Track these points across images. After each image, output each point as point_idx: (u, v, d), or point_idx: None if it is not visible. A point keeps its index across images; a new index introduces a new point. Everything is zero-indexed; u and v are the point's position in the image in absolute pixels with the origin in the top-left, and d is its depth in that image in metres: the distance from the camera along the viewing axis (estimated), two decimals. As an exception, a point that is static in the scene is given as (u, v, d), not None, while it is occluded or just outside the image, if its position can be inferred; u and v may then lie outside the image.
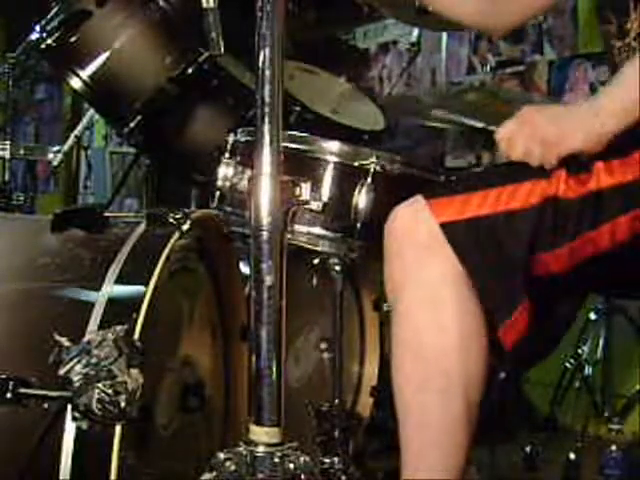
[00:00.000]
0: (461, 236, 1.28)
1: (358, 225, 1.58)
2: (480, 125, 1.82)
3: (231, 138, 1.75)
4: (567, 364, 2.58)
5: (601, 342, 2.56)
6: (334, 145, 1.62)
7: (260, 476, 0.95)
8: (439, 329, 1.28)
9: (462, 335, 1.27)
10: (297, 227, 1.59)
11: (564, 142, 1.27)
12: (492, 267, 1.27)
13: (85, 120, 2.72)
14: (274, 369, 0.96)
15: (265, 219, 0.96)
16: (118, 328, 1.20)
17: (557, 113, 1.36)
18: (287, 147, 1.55)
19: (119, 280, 1.31)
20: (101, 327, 1.23)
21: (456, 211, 1.30)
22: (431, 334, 1.28)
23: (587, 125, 1.27)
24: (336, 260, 1.71)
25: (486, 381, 1.30)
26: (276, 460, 0.95)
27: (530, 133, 1.30)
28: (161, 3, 2.12)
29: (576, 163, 1.29)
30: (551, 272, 1.28)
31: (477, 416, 1.30)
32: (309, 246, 1.62)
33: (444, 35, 3.57)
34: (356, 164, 1.60)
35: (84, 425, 1.17)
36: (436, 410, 1.28)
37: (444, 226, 1.28)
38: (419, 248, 1.30)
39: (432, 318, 1.28)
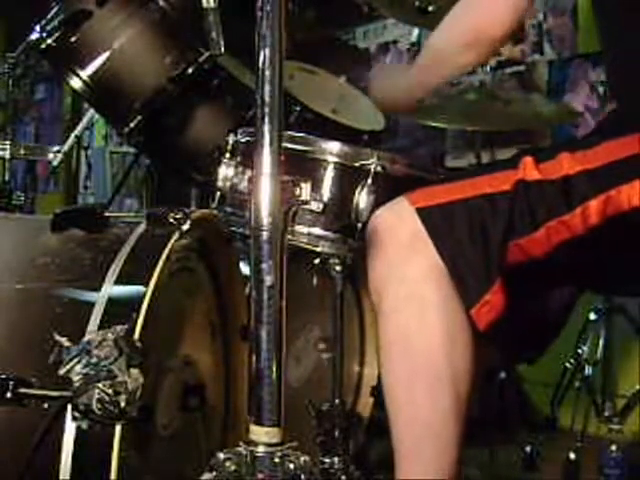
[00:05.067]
0: (435, 219, 1.31)
1: (358, 226, 1.58)
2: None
3: (231, 138, 1.75)
4: (567, 364, 2.59)
5: (601, 342, 2.56)
6: (334, 145, 1.62)
7: (260, 476, 0.95)
8: (424, 326, 1.29)
9: (447, 330, 1.29)
10: (297, 227, 1.59)
11: None
12: (465, 248, 1.29)
13: (85, 120, 2.72)
14: (274, 369, 0.96)
15: (265, 219, 0.96)
16: (118, 328, 1.20)
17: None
18: (287, 147, 1.55)
19: (119, 280, 1.31)
20: (101, 327, 1.23)
21: (432, 198, 1.34)
22: (416, 331, 1.30)
23: None
24: (336, 260, 1.71)
25: (474, 375, 1.31)
26: (276, 460, 0.95)
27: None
28: (161, 3, 2.12)
29: (542, 152, 1.34)
30: (531, 256, 1.30)
31: (467, 410, 1.31)
32: (309, 246, 1.62)
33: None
34: (356, 165, 1.60)
35: (84, 425, 1.17)
36: (426, 404, 1.29)
37: (420, 211, 1.31)
38: (401, 246, 1.31)
39: (416, 316, 1.30)
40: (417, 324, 1.29)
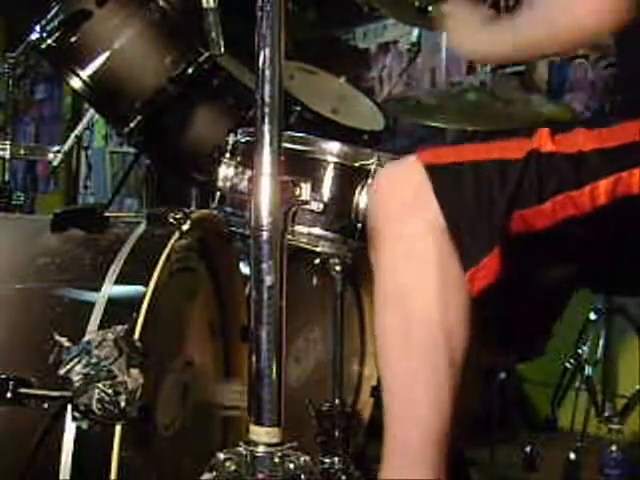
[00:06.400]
0: (442, 177, 1.30)
1: (359, 226, 1.58)
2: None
3: (231, 138, 1.75)
4: (567, 364, 2.59)
5: (601, 342, 2.56)
6: (334, 146, 1.62)
7: (260, 476, 0.95)
8: (420, 284, 1.28)
9: (443, 289, 1.28)
10: (297, 227, 1.59)
11: None
12: (468, 210, 1.28)
13: (85, 120, 2.71)
14: (274, 369, 0.96)
15: (265, 219, 0.96)
16: (118, 328, 1.20)
17: None
18: (287, 147, 1.55)
19: (119, 280, 1.31)
20: (101, 327, 1.23)
21: (443, 157, 1.33)
22: (412, 289, 1.29)
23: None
24: (336, 260, 1.71)
25: (469, 342, 1.30)
26: (276, 460, 0.95)
27: None
28: (161, 3, 2.12)
29: (559, 125, 1.33)
30: (532, 229, 1.29)
31: (464, 369, 1.29)
32: (309, 247, 1.62)
33: (444, 35, 3.56)
34: (356, 165, 1.60)
35: (84, 425, 1.17)
36: (421, 361, 1.28)
37: (428, 167, 1.30)
38: (403, 203, 1.31)
39: (413, 273, 1.29)
40: (414, 281, 1.29)
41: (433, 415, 1.28)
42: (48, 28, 2.11)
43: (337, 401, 1.76)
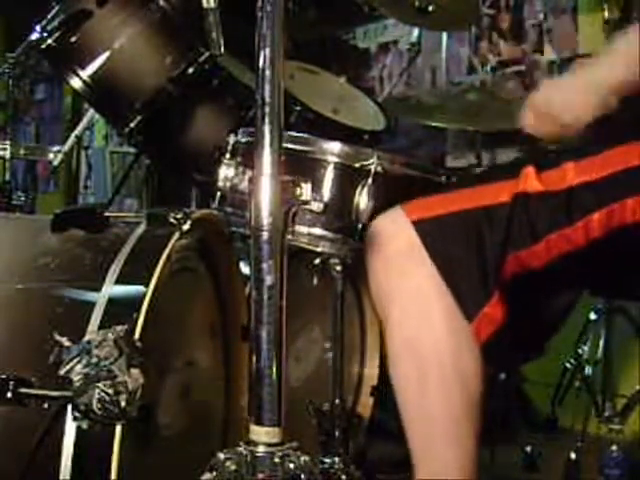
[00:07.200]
0: (431, 232, 1.31)
1: (359, 226, 1.58)
2: None
3: (232, 139, 1.75)
4: (567, 364, 2.59)
5: (601, 342, 2.56)
6: (335, 146, 1.62)
7: (260, 476, 0.95)
8: (430, 332, 1.30)
9: (452, 334, 1.30)
10: (298, 228, 1.59)
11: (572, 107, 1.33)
12: (462, 261, 1.29)
13: (85, 120, 2.72)
14: (274, 369, 0.96)
15: (265, 219, 0.96)
16: (118, 328, 1.20)
17: (560, 84, 1.41)
18: (288, 147, 1.55)
19: (119, 280, 1.31)
20: (101, 327, 1.23)
21: (428, 209, 1.33)
22: (423, 338, 1.31)
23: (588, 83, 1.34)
24: (337, 260, 1.71)
25: (484, 378, 1.31)
26: (276, 460, 0.95)
27: (545, 114, 1.35)
28: (161, 3, 2.12)
29: (545, 161, 1.31)
30: (529, 268, 1.29)
31: (480, 412, 1.31)
32: (310, 247, 1.62)
33: (444, 35, 3.57)
34: (357, 165, 1.60)
35: (84, 425, 1.17)
36: (437, 403, 1.30)
37: (415, 224, 1.31)
38: (401, 255, 1.32)
39: (422, 324, 1.31)
40: (423, 332, 1.30)
41: (453, 451, 1.29)
42: (48, 28, 2.11)
43: (337, 401, 1.76)
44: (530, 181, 1.28)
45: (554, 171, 1.29)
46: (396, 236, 1.33)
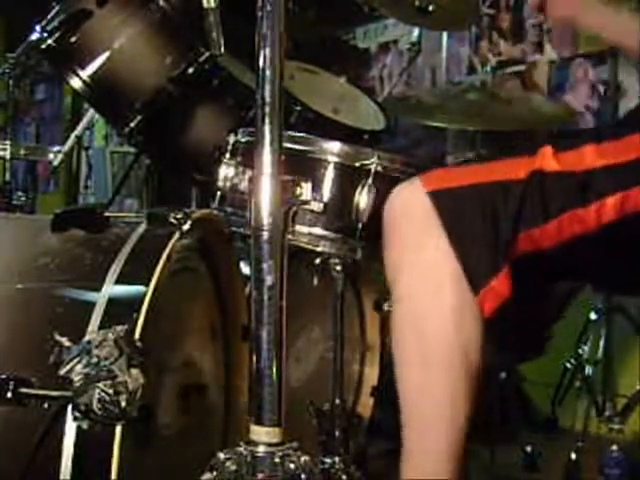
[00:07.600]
0: (446, 203, 1.30)
1: (359, 225, 1.58)
2: None
3: (232, 138, 1.75)
4: (567, 364, 2.59)
5: (601, 342, 2.56)
6: (335, 145, 1.62)
7: (260, 476, 0.95)
8: (436, 308, 1.29)
9: (457, 312, 1.29)
10: (298, 227, 1.60)
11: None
12: (474, 234, 1.28)
13: (85, 120, 2.72)
14: (274, 369, 0.96)
15: (266, 219, 0.96)
16: (119, 328, 1.20)
17: None
18: (288, 147, 1.55)
19: (120, 280, 1.31)
20: (102, 327, 1.23)
21: (446, 181, 1.33)
22: (428, 313, 1.30)
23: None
24: (337, 260, 1.71)
25: (484, 356, 1.31)
26: (276, 460, 0.95)
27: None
28: (161, 3, 2.12)
29: (564, 142, 1.32)
30: (538, 248, 1.29)
31: (479, 382, 1.30)
32: (310, 247, 1.62)
33: (444, 35, 3.57)
34: (357, 164, 1.60)
35: (84, 425, 1.17)
36: (436, 374, 1.29)
37: (431, 194, 1.30)
38: (416, 228, 1.32)
39: (429, 299, 1.30)
40: (430, 307, 1.30)
41: (447, 425, 1.29)
42: (48, 28, 2.11)
43: (337, 401, 1.76)
44: (547, 160, 1.28)
45: (572, 152, 1.29)
46: (413, 206, 1.33)
